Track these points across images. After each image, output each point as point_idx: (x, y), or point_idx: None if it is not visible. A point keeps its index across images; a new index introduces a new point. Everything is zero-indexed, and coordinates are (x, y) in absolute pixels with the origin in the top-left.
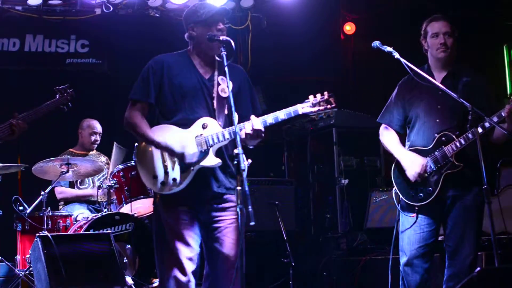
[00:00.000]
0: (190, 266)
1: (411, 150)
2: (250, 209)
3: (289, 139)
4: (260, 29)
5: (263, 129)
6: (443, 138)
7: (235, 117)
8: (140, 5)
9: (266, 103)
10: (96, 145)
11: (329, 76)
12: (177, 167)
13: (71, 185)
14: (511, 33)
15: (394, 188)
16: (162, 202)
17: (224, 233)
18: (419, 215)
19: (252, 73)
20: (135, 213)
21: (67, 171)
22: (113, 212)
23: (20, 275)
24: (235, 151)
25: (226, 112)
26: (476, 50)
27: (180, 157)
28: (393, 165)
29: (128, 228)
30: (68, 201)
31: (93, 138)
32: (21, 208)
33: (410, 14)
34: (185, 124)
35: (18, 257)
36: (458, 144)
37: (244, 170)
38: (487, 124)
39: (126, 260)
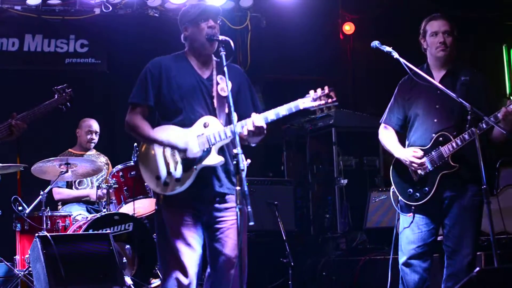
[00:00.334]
0: (192, 268)
1: None
2: (249, 209)
3: (288, 139)
4: (259, 29)
5: (264, 126)
6: (441, 138)
7: (234, 116)
8: (139, 4)
9: (265, 102)
10: (93, 144)
11: (328, 76)
12: (179, 167)
13: (69, 185)
14: (511, 33)
15: (392, 188)
16: (165, 203)
17: (226, 234)
18: (417, 215)
19: (251, 72)
20: (134, 213)
21: (66, 171)
22: (112, 212)
23: (19, 275)
24: (234, 151)
25: (226, 111)
26: (475, 50)
27: (184, 151)
28: (391, 165)
29: (127, 228)
30: (66, 201)
31: (89, 136)
32: (20, 208)
33: (409, 14)
34: (186, 124)
35: (17, 257)
36: (454, 144)
37: (243, 170)
38: (483, 125)
39: (125, 260)
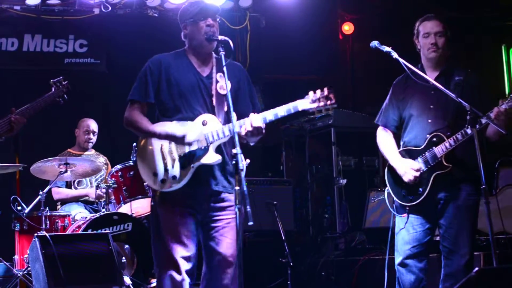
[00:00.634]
0: (185, 266)
1: (404, 150)
2: (249, 209)
3: (288, 139)
4: (258, 28)
5: (263, 126)
6: (435, 139)
7: (233, 116)
8: (138, 4)
9: (265, 102)
10: (91, 144)
11: (327, 75)
12: (177, 164)
13: (68, 185)
14: (510, 33)
15: (387, 189)
16: (160, 200)
17: (221, 233)
18: (412, 215)
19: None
20: (133, 213)
21: (65, 171)
22: (112, 212)
23: (18, 275)
24: (234, 150)
25: (225, 109)
26: (474, 50)
27: (182, 139)
28: (386, 165)
29: (126, 228)
30: (65, 201)
31: (86, 136)
32: (19, 208)
33: (408, 14)
34: (186, 122)
35: (16, 257)
36: (448, 145)
37: (242, 170)
38: (476, 125)
39: (124, 260)
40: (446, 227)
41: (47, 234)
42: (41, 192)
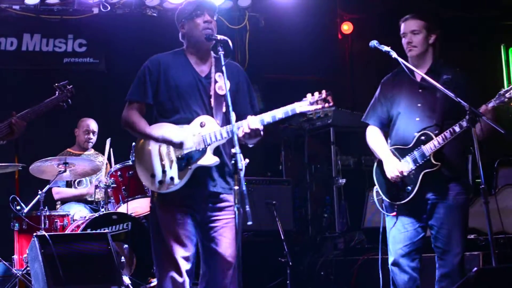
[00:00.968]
0: (185, 266)
1: (392, 149)
2: (248, 209)
3: (287, 138)
4: (257, 28)
5: (261, 128)
6: (423, 137)
7: (233, 116)
8: (137, 4)
9: (264, 102)
10: (91, 144)
11: (326, 75)
12: (174, 165)
13: (69, 185)
14: (509, 33)
15: (375, 187)
16: (159, 201)
17: (220, 233)
18: (402, 214)
19: (250, 72)
20: (132, 213)
21: (65, 171)
22: (111, 211)
23: (18, 274)
24: (233, 150)
25: (224, 110)
26: (474, 49)
27: (179, 147)
28: (375, 164)
29: (125, 227)
30: (65, 201)
31: (86, 136)
32: (18, 207)
33: (408, 13)
34: (183, 123)
35: (15, 256)
36: (436, 143)
37: (241, 169)
38: (464, 124)
39: (124, 260)
40: (438, 227)
41: (46, 234)
42: (40, 192)
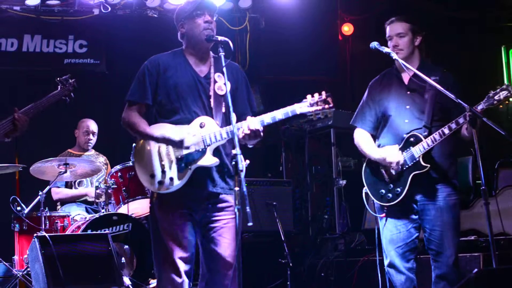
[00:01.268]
0: (183, 267)
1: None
2: (248, 210)
3: (287, 139)
4: (258, 29)
5: (261, 129)
6: (412, 139)
7: (233, 117)
8: (138, 5)
9: (264, 103)
10: (90, 145)
11: (327, 76)
12: (174, 166)
13: (69, 186)
14: (510, 34)
15: (364, 189)
16: (158, 202)
17: (219, 233)
18: (393, 216)
19: (250, 73)
20: (133, 214)
21: (65, 172)
22: (111, 212)
23: (18, 275)
24: (233, 151)
25: (223, 110)
26: (474, 51)
27: (179, 144)
28: (364, 165)
29: (126, 228)
30: (65, 201)
31: (86, 137)
32: (19, 208)
33: (408, 14)
34: (183, 123)
35: (15, 257)
36: (425, 145)
37: (242, 170)
38: (453, 125)
39: (124, 261)
40: (430, 230)
41: (46, 235)
42: (40, 193)
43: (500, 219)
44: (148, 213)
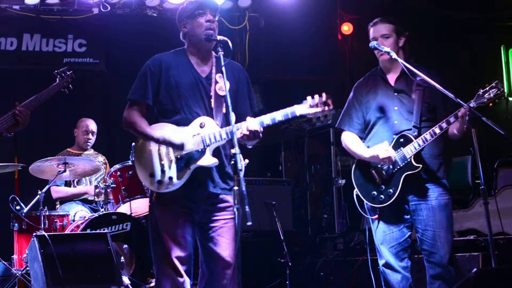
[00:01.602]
0: (184, 266)
1: None
2: (247, 209)
3: (286, 139)
4: (257, 29)
5: (260, 130)
6: (402, 139)
7: (232, 117)
8: (137, 4)
9: (263, 103)
10: (89, 144)
11: (326, 76)
12: (174, 166)
13: (68, 185)
14: (509, 34)
15: (355, 191)
16: (157, 201)
17: (219, 233)
18: (384, 216)
19: (249, 73)
20: (132, 213)
21: (64, 171)
22: (110, 211)
23: (17, 274)
24: (232, 151)
25: (223, 111)
26: (474, 50)
27: (179, 148)
28: (353, 166)
29: (125, 227)
30: (64, 200)
31: (85, 136)
32: (18, 207)
33: (408, 14)
34: (183, 123)
35: (15, 256)
36: (416, 145)
37: (241, 170)
38: (444, 125)
39: (123, 260)
40: (423, 230)
41: (45, 234)
42: (40, 192)
43: (500, 218)
44: (148, 213)
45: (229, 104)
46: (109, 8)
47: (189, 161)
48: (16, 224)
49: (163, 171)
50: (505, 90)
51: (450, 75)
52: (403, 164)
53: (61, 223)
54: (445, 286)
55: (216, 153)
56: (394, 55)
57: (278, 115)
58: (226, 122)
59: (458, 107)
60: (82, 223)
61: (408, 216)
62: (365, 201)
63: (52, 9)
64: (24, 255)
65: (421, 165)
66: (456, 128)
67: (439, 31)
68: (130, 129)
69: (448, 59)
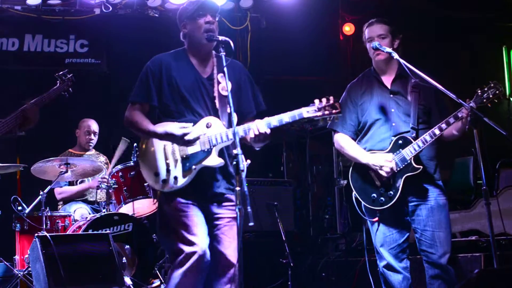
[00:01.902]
0: (204, 238)
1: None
2: (249, 210)
3: (288, 139)
4: (259, 29)
5: (269, 131)
6: (400, 141)
7: (234, 117)
8: (139, 5)
9: (265, 103)
10: (91, 145)
11: (328, 76)
12: (179, 165)
13: (71, 185)
14: (510, 34)
15: (353, 193)
16: (164, 197)
17: (222, 231)
18: (384, 218)
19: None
20: (134, 214)
21: (66, 171)
22: (112, 212)
23: (19, 275)
24: (234, 151)
25: (228, 111)
26: (475, 51)
27: (182, 139)
28: (350, 169)
29: (127, 228)
30: (68, 200)
31: (87, 137)
32: (20, 208)
33: (409, 15)
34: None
35: (16, 257)
36: (416, 146)
37: (243, 170)
38: (444, 126)
39: (125, 261)
40: (422, 230)
41: (47, 234)
42: (41, 192)
43: (501, 219)
44: (149, 213)
45: (231, 105)
46: (110, 8)
47: (194, 161)
48: (18, 225)
49: (168, 170)
50: (503, 90)
51: (450, 75)
52: (403, 166)
53: (63, 224)
54: (445, 286)
55: (219, 153)
56: (395, 55)
57: (286, 117)
58: (231, 123)
59: (451, 109)
60: (84, 224)
61: (407, 218)
62: (365, 204)
63: (53, 10)
64: (26, 256)
65: (421, 167)
66: (456, 128)
67: (439, 31)
68: (132, 128)
69: (448, 59)
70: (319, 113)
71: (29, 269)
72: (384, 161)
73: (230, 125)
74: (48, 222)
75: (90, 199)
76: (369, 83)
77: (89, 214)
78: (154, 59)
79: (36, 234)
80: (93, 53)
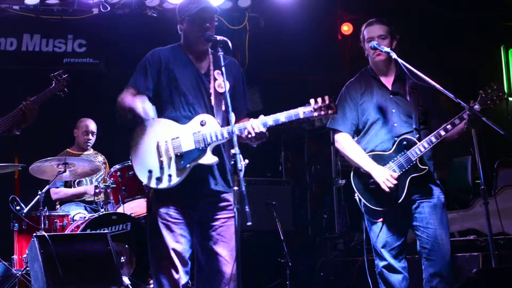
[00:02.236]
0: (180, 263)
1: (372, 155)
2: (247, 209)
3: (286, 139)
4: (257, 29)
5: (265, 131)
6: (404, 142)
7: (232, 117)
8: (137, 4)
9: (263, 102)
10: (90, 144)
11: (326, 76)
12: (173, 163)
13: (68, 186)
14: (509, 34)
15: (356, 195)
16: (155, 198)
17: (218, 232)
18: (388, 219)
19: (249, 73)
20: (132, 213)
21: (64, 171)
22: (110, 212)
23: (17, 275)
24: (232, 151)
25: (223, 108)
26: (474, 50)
27: (143, 116)
28: (352, 172)
29: (125, 228)
30: (64, 201)
31: (85, 137)
32: (18, 207)
33: (408, 14)
34: (183, 120)
35: (15, 256)
36: (422, 147)
37: (241, 170)
38: (449, 127)
39: (123, 260)
40: (423, 227)
41: (46, 234)
42: (40, 192)
43: (500, 218)
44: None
45: (229, 104)
46: (109, 8)
47: (189, 159)
48: (16, 224)
49: (161, 168)
50: (505, 93)
51: (450, 75)
52: (409, 166)
53: (61, 224)
54: (443, 284)
55: (216, 151)
56: (394, 56)
57: (282, 117)
58: (226, 120)
59: (449, 110)
60: (82, 224)
61: (408, 218)
62: (368, 205)
63: (52, 9)
64: (24, 255)
65: (427, 167)
66: (456, 129)
67: (439, 31)
68: (119, 107)
69: (448, 59)
70: (315, 114)
71: (27, 268)
72: (387, 176)
73: (224, 123)
74: (46, 221)
75: (87, 199)
76: (367, 83)
77: (87, 214)
78: (153, 52)
79: (34, 234)
80: (91, 53)
